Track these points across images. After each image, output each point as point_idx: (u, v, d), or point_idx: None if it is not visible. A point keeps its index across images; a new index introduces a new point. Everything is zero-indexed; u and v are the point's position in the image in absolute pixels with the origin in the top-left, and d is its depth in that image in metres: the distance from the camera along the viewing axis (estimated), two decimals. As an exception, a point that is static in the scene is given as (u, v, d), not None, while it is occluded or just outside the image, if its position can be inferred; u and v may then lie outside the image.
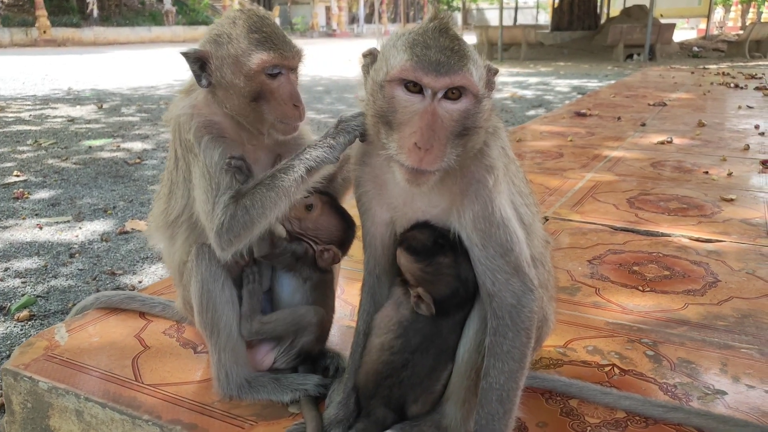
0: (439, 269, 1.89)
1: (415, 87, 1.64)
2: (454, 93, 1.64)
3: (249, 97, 2.07)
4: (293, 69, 2.14)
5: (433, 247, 1.87)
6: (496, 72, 1.78)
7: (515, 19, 40.56)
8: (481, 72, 1.71)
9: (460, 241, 1.84)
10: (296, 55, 2.13)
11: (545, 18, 56.42)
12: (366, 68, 1.82)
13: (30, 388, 2.36)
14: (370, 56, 1.81)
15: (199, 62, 2.09)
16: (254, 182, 2.02)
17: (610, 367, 2.45)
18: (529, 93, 15.30)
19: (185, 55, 2.09)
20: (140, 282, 4.50)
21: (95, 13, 47.02)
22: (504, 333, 1.79)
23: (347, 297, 3.01)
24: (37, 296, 4.23)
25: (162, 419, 2.11)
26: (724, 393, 2.29)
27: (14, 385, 2.40)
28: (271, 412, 2.16)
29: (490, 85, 1.76)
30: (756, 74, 16.08)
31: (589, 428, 2.08)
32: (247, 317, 2.25)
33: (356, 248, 3.60)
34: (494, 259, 1.79)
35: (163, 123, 10.88)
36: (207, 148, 2.06)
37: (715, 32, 40.64)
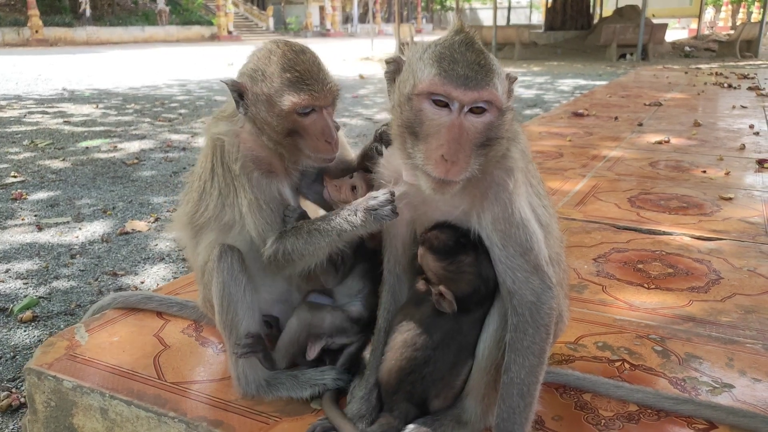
0: (461, 268, 1.94)
1: (442, 101, 1.68)
2: (478, 107, 1.69)
3: (282, 133, 2.11)
4: (324, 105, 2.14)
5: (455, 246, 1.92)
6: (514, 80, 1.83)
7: (508, 19, 40.65)
8: (505, 85, 1.76)
9: (480, 241, 1.90)
10: (329, 93, 2.12)
11: (538, 18, 56.62)
12: (390, 76, 1.86)
13: (54, 386, 2.40)
14: (394, 63, 1.85)
15: (237, 92, 2.12)
16: (300, 227, 2.12)
17: (621, 362, 2.51)
18: (524, 92, 15.37)
19: (226, 83, 2.11)
20: (142, 282, 4.53)
21: (88, 12, 46.92)
22: (524, 329, 1.85)
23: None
24: (40, 297, 4.25)
25: (187, 416, 2.15)
26: (731, 386, 2.35)
27: (38, 384, 2.44)
28: (294, 408, 2.20)
29: (510, 92, 1.81)
30: (748, 74, 16.20)
31: (603, 421, 2.14)
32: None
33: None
34: (514, 258, 1.85)
35: (160, 124, 10.88)
36: (259, 184, 2.16)
37: (707, 32, 40.78)
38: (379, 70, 21.23)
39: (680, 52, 27.55)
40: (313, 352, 2.33)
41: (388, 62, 1.86)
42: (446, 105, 1.69)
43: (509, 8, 42.16)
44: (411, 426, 1.97)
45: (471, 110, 1.69)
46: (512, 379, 1.85)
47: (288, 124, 2.09)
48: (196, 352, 2.59)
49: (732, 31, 34.46)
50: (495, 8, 29.10)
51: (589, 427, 2.11)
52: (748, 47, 26.02)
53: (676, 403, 2.19)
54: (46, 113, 12.60)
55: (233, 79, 2.13)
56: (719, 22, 60.79)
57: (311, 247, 2.07)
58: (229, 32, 53.43)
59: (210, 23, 55.37)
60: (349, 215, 2.01)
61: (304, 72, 2.08)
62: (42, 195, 6.74)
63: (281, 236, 2.12)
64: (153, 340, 2.67)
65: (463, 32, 1.75)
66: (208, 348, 2.62)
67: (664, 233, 4.01)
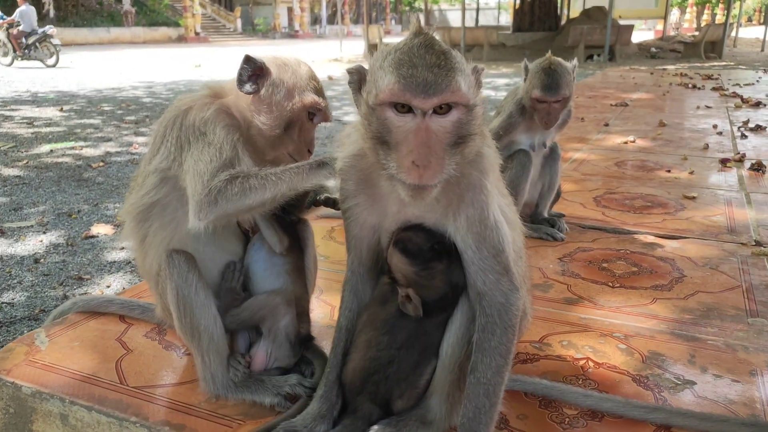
0: (433, 274, 1.94)
1: (404, 107, 1.66)
2: (443, 108, 1.66)
3: (284, 121, 2.25)
4: (324, 120, 2.37)
5: (429, 251, 1.91)
6: (482, 71, 1.82)
7: (477, 20, 40.84)
8: (470, 80, 1.73)
9: (453, 245, 1.89)
10: (330, 112, 2.39)
11: (506, 19, 56.93)
12: (354, 86, 1.82)
13: (12, 393, 2.35)
14: (357, 74, 1.81)
15: (252, 70, 2.23)
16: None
17: (585, 361, 2.53)
18: (492, 94, 15.44)
19: (250, 58, 2.22)
20: (108, 287, 4.48)
21: (51, 13, 46.20)
22: (492, 330, 1.85)
23: (326, 297, 3.05)
24: (3, 303, 4.19)
25: (149, 420, 2.12)
26: (693, 383, 2.38)
27: (-4, 390, 2.39)
28: (257, 411, 2.18)
29: (478, 84, 1.80)
30: (712, 75, 16.45)
31: (567, 419, 2.15)
32: (222, 312, 2.31)
33: (332, 250, 3.67)
34: (487, 260, 1.86)
35: (125, 126, 10.72)
36: (225, 129, 2.15)
37: (672, 33, 41.42)
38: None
39: (646, 53, 27.90)
40: (257, 363, 2.35)
41: (350, 72, 1.82)
42: (410, 110, 1.66)
43: (477, 9, 42.34)
44: (375, 427, 1.97)
45: (435, 111, 1.67)
46: (479, 379, 1.85)
47: (295, 115, 2.26)
48: (159, 355, 2.56)
49: (697, 33, 34.98)
50: (463, 9, 29.23)
51: (553, 426, 2.12)
52: (712, 48, 26.47)
53: (646, 412, 2.16)
54: (9, 116, 12.38)
55: (262, 60, 2.26)
56: (684, 23, 61.72)
57: (275, 177, 2.09)
58: (197, 33, 52.90)
59: (177, 24, 54.76)
60: (301, 164, 2.16)
61: (322, 89, 2.39)
62: (4, 198, 6.63)
63: (236, 173, 2.09)
64: (115, 344, 2.63)
65: (421, 34, 1.71)
66: (171, 352, 2.59)
67: (629, 232, 4.06)
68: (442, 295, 1.96)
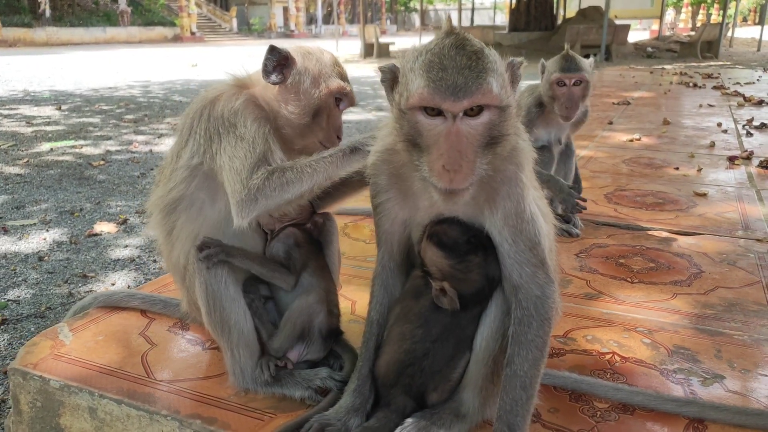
0: (470, 267, 1.92)
1: (434, 110, 1.64)
2: (473, 110, 1.64)
3: (313, 108, 2.26)
4: (350, 105, 2.39)
5: (465, 244, 1.90)
6: (520, 65, 1.80)
7: (472, 20, 40.82)
8: (503, 79, 1.70)
9: (489, 238, 1.88)
10: (354, 96, 2.41)
11: (502, 19, 56.93)
12: (387, 85, 1.81)
13: (40, 386, 2.33)
14: (390, 72, 1.79)
15: (277, 61, 2.22)
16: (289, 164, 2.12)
17: (611, 355, 2.52)
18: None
19: (274, 48, 2.21)
20: (113, 284, 4.46)
21: (47, 12, 46.08)
22: (529, 323, 1.84)
23: (345, 292, 3.03)
24: (8, 300, 4.16)
25: (181, 414, 2.10)
26: (722, 377, 2.37)
27: (23, 384, 2.37)
28: (288, 405, 2.17)
29: (515, 78, 1.78)
30: (712, 74, 16.50)
31: (598, 412, 2.14)
32: (268, 340, 2.33)
33: (347, 246, 3.65)
34: (523, 253, 1.85)
35: (124, 125, 10.67)
36: (256, 122, 2.14)
37: (667, 33, 41.48)
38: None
39: (643, 52, 27.91)
40: (294, 356, 2.33)
41: (383, 71, 1.80)
42: (440, 113, 1.64)
43: (473, 9, 42.28)
44: (410, 420, 1.95)
45: (466, 113, 1.65)
46: (515, 371, 1.84)
47: (322, 102, 2.26)
48: (184, 349, 2.54)
49: (692, 33, 35.05)
50: (460, 9, 29.29)
51: (585, 419, 2.11)
52: (709, 48, 26.47)
53: (679, 405, 2.15)
54: (7, 115, 12.33)
55: (286, 49, 2.25)
56: (680, 23, 61.84)
57: (310, 169, 2.10)
58: (192, 33, 52.80)
59: (173, 24, 54.67)
60: (334, 152, 2.15)
61: (346, 74, 2.40)
62: (6, 197, 6.59)
63: (272, 169, 2.09)
64: (139, 338, 2.61)
65: (452, 34, 1.70)
66: (196, 346, 2.57)
67: (643, 228, 4.05)
68: (479, 288, 1.94)
